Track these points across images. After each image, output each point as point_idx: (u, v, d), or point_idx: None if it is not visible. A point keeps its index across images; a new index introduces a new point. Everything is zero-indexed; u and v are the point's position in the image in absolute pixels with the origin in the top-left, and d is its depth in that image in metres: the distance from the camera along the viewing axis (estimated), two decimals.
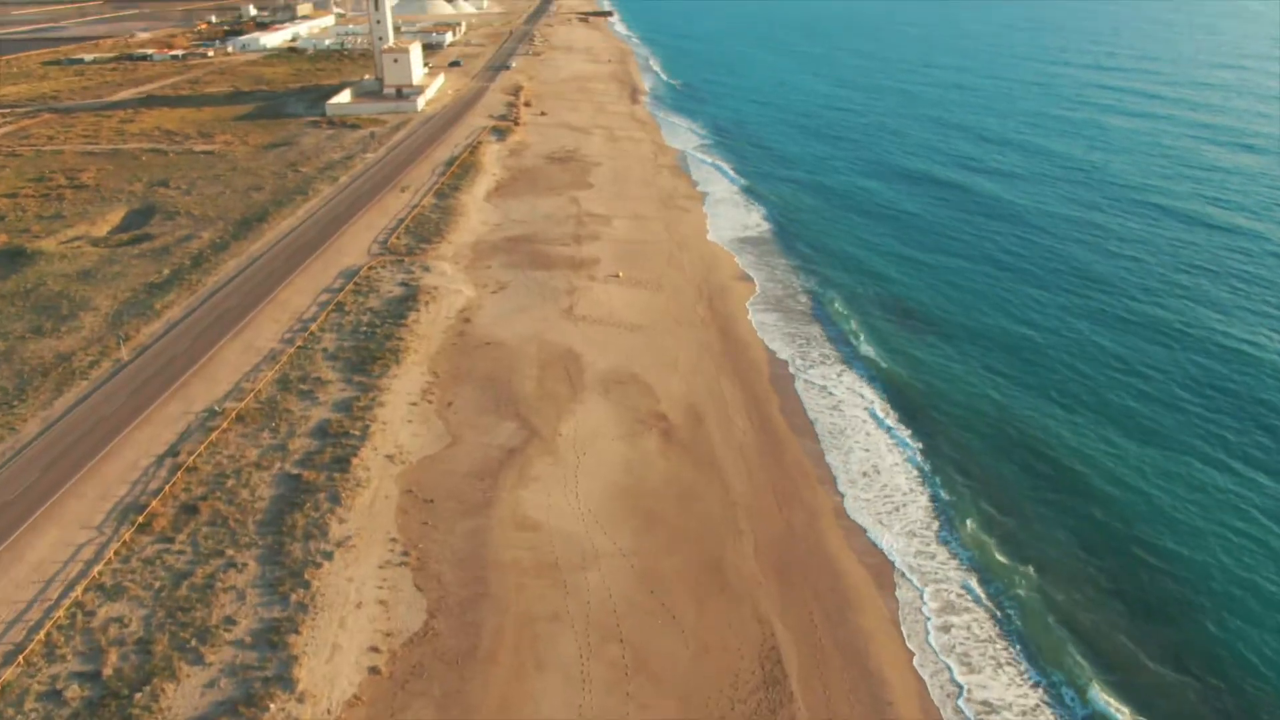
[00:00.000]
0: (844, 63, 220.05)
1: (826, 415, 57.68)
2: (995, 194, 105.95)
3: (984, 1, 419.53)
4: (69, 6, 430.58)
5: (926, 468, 51.95)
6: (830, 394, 60.11)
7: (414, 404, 56.21)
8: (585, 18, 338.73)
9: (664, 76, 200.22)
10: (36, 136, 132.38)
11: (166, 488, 46.73)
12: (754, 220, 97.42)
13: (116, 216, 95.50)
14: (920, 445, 54.05)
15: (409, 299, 71.02)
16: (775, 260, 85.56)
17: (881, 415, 57.52)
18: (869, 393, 60.38)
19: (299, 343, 63.31)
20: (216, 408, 54.96)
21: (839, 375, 62.87)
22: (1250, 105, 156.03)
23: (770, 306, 74.47)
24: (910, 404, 59.13)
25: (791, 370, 63.43)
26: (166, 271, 77.37)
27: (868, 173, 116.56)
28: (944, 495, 49.52)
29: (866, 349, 66.31)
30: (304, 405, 55.23)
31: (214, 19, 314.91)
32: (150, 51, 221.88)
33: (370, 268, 77.64)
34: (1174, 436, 55.88)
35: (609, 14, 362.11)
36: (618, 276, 78.70)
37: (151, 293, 72.62)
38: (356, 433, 52.07)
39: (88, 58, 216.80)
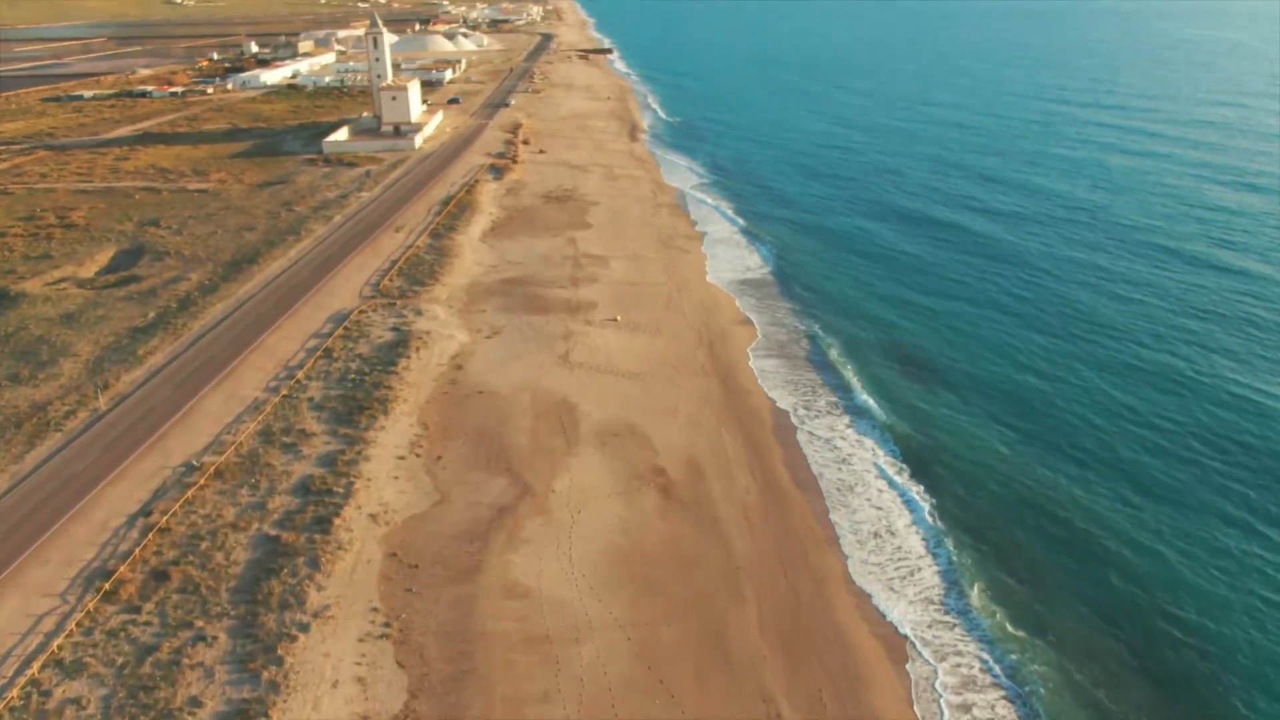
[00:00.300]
0: (841, 100, 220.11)
1: (831, 470, 55.32)
2: (997, 235, 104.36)
3: (979, 41, 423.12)
4: (74, 43, 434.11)
5: (936, 528, 49.50)
6: (834, 447, 57.78)
7: (401, 458, 53.86)
8: (585, 55, 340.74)
9: (663, 114, 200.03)
10: (30, 174, 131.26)
11: (137, 551, 44.25)
12: (754, 261, 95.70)
13: (105, 257, 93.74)
14: (929, 504, 51.66)
15: (400, 345, 68.91)
16: (776, 303, 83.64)
17: (888, 470, 55.18)
18: (874, 446, 58.08)
19: (284, 391, 61.09)
20: (194, 462, 52.60)
21: (843, 427, 60.59)
22: (1252, 144, 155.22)
23: (772, 352, 72.36)
24: (917, 458, 56.80)
25: (794, 421, 61.16)
26: (152, 315, 75.35)
27: (867, 213, 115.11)
28: (955, 559, 47.06)
29: (870, 399, 64.14)
30: (286, 459, 52.87)
31: (215, 56, 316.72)
32: (150, 88, 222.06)
33: (361, 311, 75.63)
34: (1192, 494, 53.51)
35: (609, 51, 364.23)
36: (615, 321, 76.69)
37: (135, 338, 70.52)
38: (340, 490, 49.68)
39: (87, 94, 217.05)
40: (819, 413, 62.31)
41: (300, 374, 63.76)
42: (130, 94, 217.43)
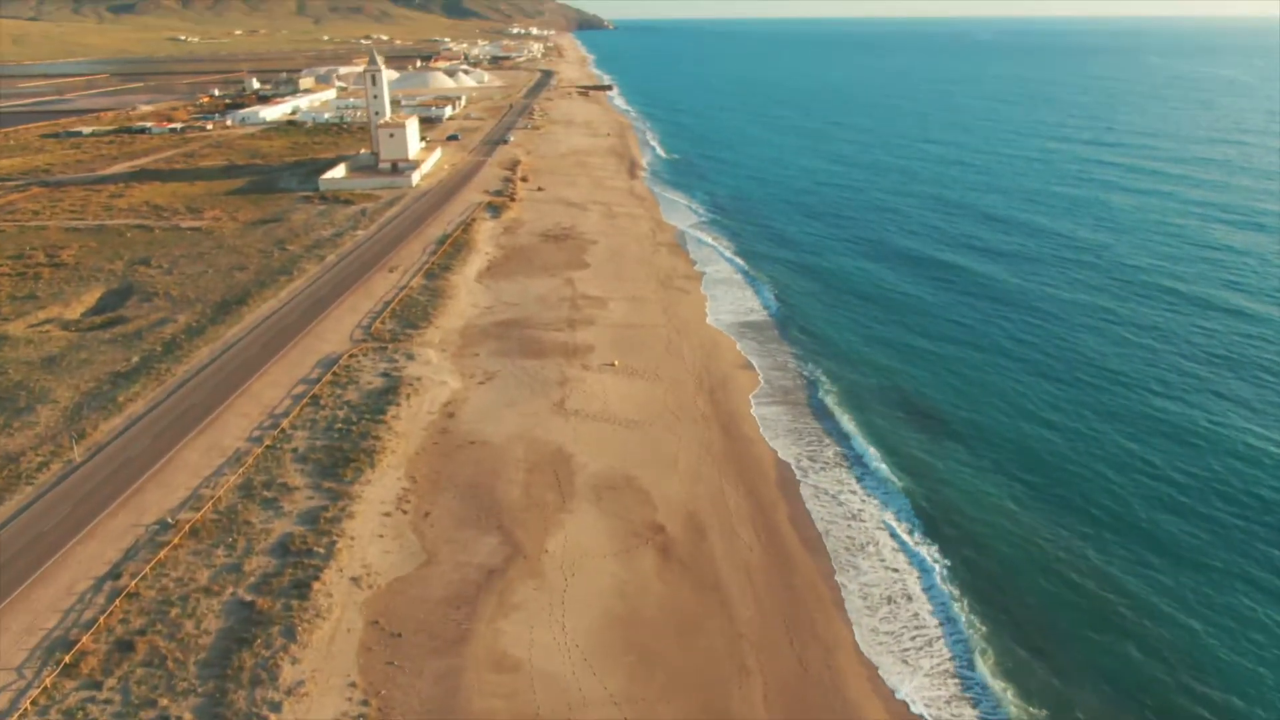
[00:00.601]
0: (839, 137, 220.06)
1: (838, 527, 52.75)
2: (999, 276, 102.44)
3: (975, 77, 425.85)
4: (78, 79, 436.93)
5: (948, 593, 46.81)
6: (840, 502, 55.26)
7: (387, 514, 51.31)
8: (585, 91, 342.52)
9: (662, 150, 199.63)
10: (22, 211, 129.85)
11: (102, 619, 41.60)
12: (754, 303, 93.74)
13: (92, 297, 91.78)
14: (940, 566, 49.01)
15: (390, 391, 66.61)
16: (777, 347, 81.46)
17: (895, 528, 52.61)
18: (880, 501, 55.55)
19: (268, 442, 58.68)
20: (169, 519, 50.05)
21: (849, 480, 58.11)
22: (1255, 183, 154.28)
23: (774, 399, 70.05)
24: (925, 515, 54.23)
25: (798, 473, 58.68)
26: (135, 359, 73.11)
27: (868, 253, 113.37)
28: (970, 628, 44.33)
29: (875, 450, 61.67)
30: (266, 516, 50.34)
31: (217, 92, 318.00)
32: (149, 124, 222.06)
33: (351, 356, 73.43)
34: (1213, 555, 50.85)
35: (609, 88, 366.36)
36: (613, 365, 74.48)
37: (116, 383, 68.23)
38: (321, 550, 47.09)
39: (86, 130, 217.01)
40: (824, 464, 59.85)
41: (285, 423, 61.40)
42: (129, 130, 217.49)
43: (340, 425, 61.12)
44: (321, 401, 65.01)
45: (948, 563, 49.36)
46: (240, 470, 54.98)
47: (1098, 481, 58.67)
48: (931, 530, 52.50)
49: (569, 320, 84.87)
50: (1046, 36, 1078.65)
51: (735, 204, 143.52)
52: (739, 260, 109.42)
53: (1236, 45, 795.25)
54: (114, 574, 45.33)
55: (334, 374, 69.69)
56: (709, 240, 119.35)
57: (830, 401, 69.51)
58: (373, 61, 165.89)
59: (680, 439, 62.51)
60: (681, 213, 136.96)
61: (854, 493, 56.54)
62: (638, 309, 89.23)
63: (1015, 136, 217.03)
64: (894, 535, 51.77)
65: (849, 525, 52.92)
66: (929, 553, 50.03)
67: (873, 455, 60.89)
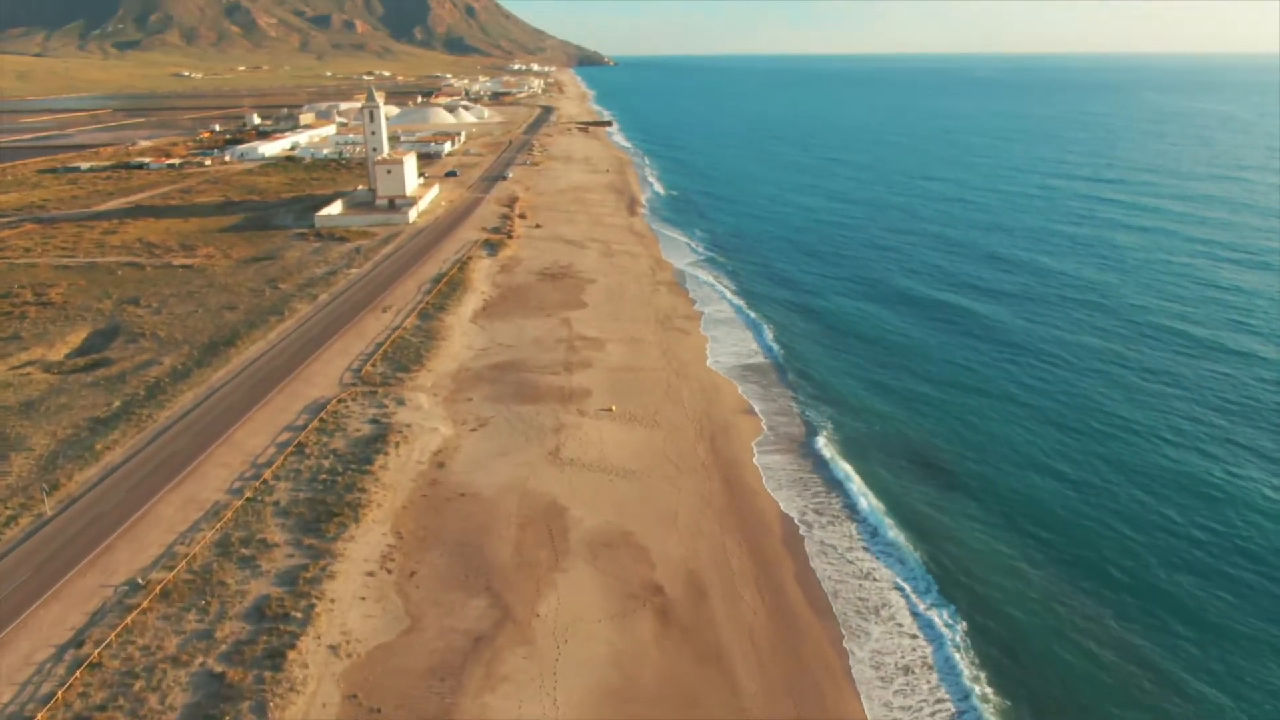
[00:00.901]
0: (839, 174, 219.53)
1: (846, 588, 50.01)
2: (1004, 319, 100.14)
3: (973, 114, 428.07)
4: (81, 114, 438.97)
5: (963, 664, 43.93)
6: (848, 560, 52.56)
7: (371, 574, 48.62)
8: (585, 127, 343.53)
9: (662, 187, 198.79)
10: (12, 249, 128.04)
11: (60, 693, 38.79)
12: (755, 345, 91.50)
13: (77, 338, 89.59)
14: (954, 633, 46.16)
15: (378, 439, 64.12)
16: (779, 391, 79.06)
17: (906, 590, 49.86)
18: (889, 560, 52.83)
19: (248, 494, 56.10)
20: (140, 580, 47.34)
21: (855, 536, 55.42)
22: (1261, 221, 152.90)
23: (777, 448, 67.52)
24: (936, 576, 51.47)
25: (804, 528, 56.02)
26: (116, 404, 70.69)
27: (870, 294, 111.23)
28: (988, 705, 41.44)
29: (882, 504, 59.01)
30: (243, 576, 47.64)
31: (218, 128, 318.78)
32: (147, 160, 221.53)
33: (340, 401, 71.02)
34: (1242, 622, 47.98)
35: (608, 124, 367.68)
36: (610, 411, 72.06)
37: (95, 430, 65.75)
38: (298, 615, 44.35)
39: (84, 166, 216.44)
40: (830, 518, 57.19)
41: (268, 473, 58.85)
42: (127, 166, 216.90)
43: (325, 476, 58.55)
44: (307, 450, 62.50)
45: (962, 628, 46.58)
46: (218, 526, 52.35)
47: (1114, 539, 55.99)
48: (943, 592, 49.75)
49: (565, 363, 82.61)
50: (1043, 73, 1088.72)
51: (735, 241, 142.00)
52: (739, 300, 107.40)
53: (1232, 81, 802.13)
54: (77, 641, 42.56)
55: (321, 420, 67.25)
56: (709, 279, 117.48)
57: (834, 450, 66.98)
58: (370, 98, 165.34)
59: (680, 490, 59.95)
60: (681, 250, 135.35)
61: (861, 550, 53.85)
62: (636, 351, 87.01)
63: (1016, 173, 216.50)
64: (905, 597, 49.02)
65: (857, 586, 50.19)
66: (941, 618, 47.24)
67: (879, 509, 58.27)
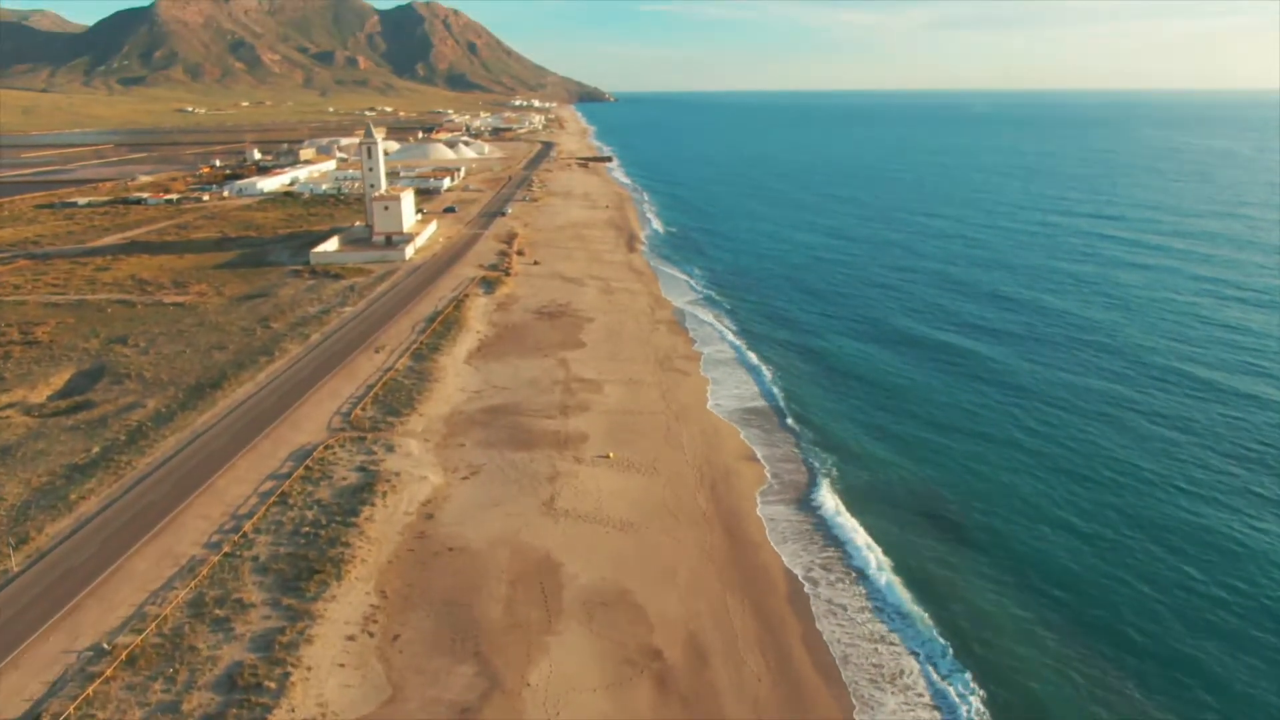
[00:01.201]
0: (838, 211, 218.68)
1: (856, 652, 47.20)
2: (1008, 361, 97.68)
3: (972, 149, 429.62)
4: (85, 149, 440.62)
5: None
6: (857, 622, 49.80)
7: (351, 638, 45.86)
8: (585, 163, 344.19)
9: (661, 223, 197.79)
10: (2, 286, 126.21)
11: None
12: (756, 387, 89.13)
13: (61, 379, 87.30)
14: (970, 707, 43.27)
15: (365, 489, 61.56)
16: (782, 437, 76.56)
17: (917, 655, 47.04)
18: (898, 622, 49.97)
19: (226, 548, 53.46)
20: (106, 644, 44.58)
21: (863, 596, 52.64)
22: (1265, 259, 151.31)
23: (781, 497, 64.93)
24: (948, 640, 48.59)
25: (809, 586, 53.29)
26: (96, 450, 68.20)
27: (871, 335, 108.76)
28: None
29: (889, 560, 56.24)
30: (215, 640, 44.88)
31: (218, 163, 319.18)
32: (145, 195, 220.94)
33: (327, 447, 68.53)
34: (1272, 690, 45.18)
35: (608, 159, 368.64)
36: (608, 457, 69.57)
37: (71, 478, 63.23)
38: (272, 685, 41.55)
39: (81, 201, 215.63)
40: (838, 576, 54.46)
41: (248, 526, 56.24)
42: (125, 201, 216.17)
43: (308, 529, 55.92)
44: (290, 500, 59.93)
45: (978, 699, 43.72)
46: (192, 583, 49.66)
47: (1132, 598, 53.19)
48: (957, 659, 46.88)
49: (562, 406, 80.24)
50: (1040, 109, 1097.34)
51: (734, 279, 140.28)
52: (739, 340, 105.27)
53: (1230, 118, 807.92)
54: (34, 714, 39.75)
55: (306, 468, 64.72)
56: (708, 318, 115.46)
57: (840, 501, 64.34)
58: (369, 134, 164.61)
59: (680, 544, 57.31)
60: (680, 288, 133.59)
61: (870, 610, 51.08)
62: (635, 393, 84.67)
63: (1016, 210, 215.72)
64: (918, 663, 46.20)
65: (868, 650, 47.38)
66: (956, 688, 44.36)
67: (887, 565, 55.55)
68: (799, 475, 68.92)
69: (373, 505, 59.20)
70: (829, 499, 64.24)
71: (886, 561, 55.96)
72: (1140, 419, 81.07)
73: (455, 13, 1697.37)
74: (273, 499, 59.94)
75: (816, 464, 70.71)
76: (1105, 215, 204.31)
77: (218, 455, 67.38)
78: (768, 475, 68.55)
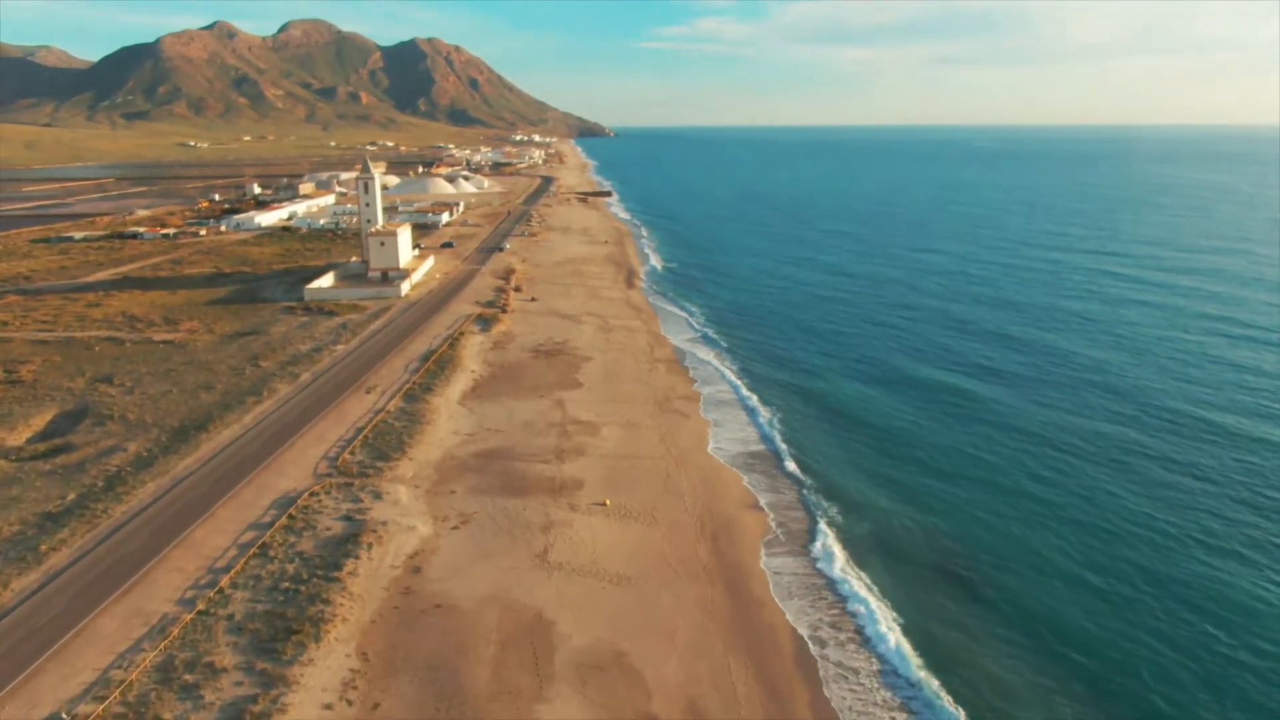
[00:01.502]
0: (839, 247, 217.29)
1: None
2: (1014, 404, 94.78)
3: (972, 184, 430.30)
4: (87, 183, 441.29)
5: None
6: (866, 688, 46.84)
7: (328, 707, 42.92)
8: (584, 198, 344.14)
9: (661, 259, 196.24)
10: None
11: None
12: (758, 431, 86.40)
13: (42, 420, 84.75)
14: None
15: (350, 540, 58.81)
16: (785, 484, 73.77)
17: None
18: (911, 691, 46.98)
19: (201, 605, 50.64)
20: (65, 715, 41.64)
21: (873, 659, 49.66)
22: (1271, 297, 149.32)
23: (786, 549, 62.11)
24: (965, 708, 45.67)
25: (816, 648, 50.36)
26: (71, 496, 65.52)
27: (873, 376, 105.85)
28: None
29: (903, 620, 53.42)
30: (182, 710, 41.95)
31: (217, 197, 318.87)
32: (141, 230, 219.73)
33: (312, 494, 65.84)
34: None
35: (608, 194, 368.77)
36: (604, 505, 66.87)
37: (43, 527, 60.49)
38: None
39: (77, 235, 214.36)
40: (847, 637, 51.49)
41: (225, 580, 53.43)
42: (121, 235, 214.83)
43: (288, 584, 53.11)
44: (271, 552, 57.16)
45: None
46: (162, 645, 46.77)
47: (1153, 662, 50.27)
48: None
49: (557, 450, 77.62)
50: (1038, 144, 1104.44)
51: (735, 317, 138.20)
52: (740, 380, 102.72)
53: (1226, 152, 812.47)
54: None
55: (290, 517, 62.00)
56: (708, 357, 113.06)
57: (847, 554, 61.52)
58: (366, 169, 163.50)
59: (679, 600, 54.45)
60: (679, 325, 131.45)
61: (879, 675, 48.12)
62: (633, 436, 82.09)
63: (1018, 246, 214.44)
64: None
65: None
66: None
67: (897, 626, 52.65)
68: (803, 525, 66.13)
69: (357, 558, 56.42)
70: (835, 551, 61.43)
71: (896, 621, 53.12)
72: (1152, 465, 78.38)
73: (457, 49, 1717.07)
74: (252, 551, 57.19)
75: (821, 513, 67.97)
76: (1108, 251, 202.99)
77: (198, 503, 64.66)
78: (771, 524, 65.79)
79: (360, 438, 77.67)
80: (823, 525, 65.72)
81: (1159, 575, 59.78)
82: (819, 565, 59.58)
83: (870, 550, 62.38)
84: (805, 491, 71.75)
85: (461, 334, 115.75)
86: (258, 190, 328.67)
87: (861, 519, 67.34)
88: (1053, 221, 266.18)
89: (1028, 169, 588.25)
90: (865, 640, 51.03)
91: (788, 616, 53.45)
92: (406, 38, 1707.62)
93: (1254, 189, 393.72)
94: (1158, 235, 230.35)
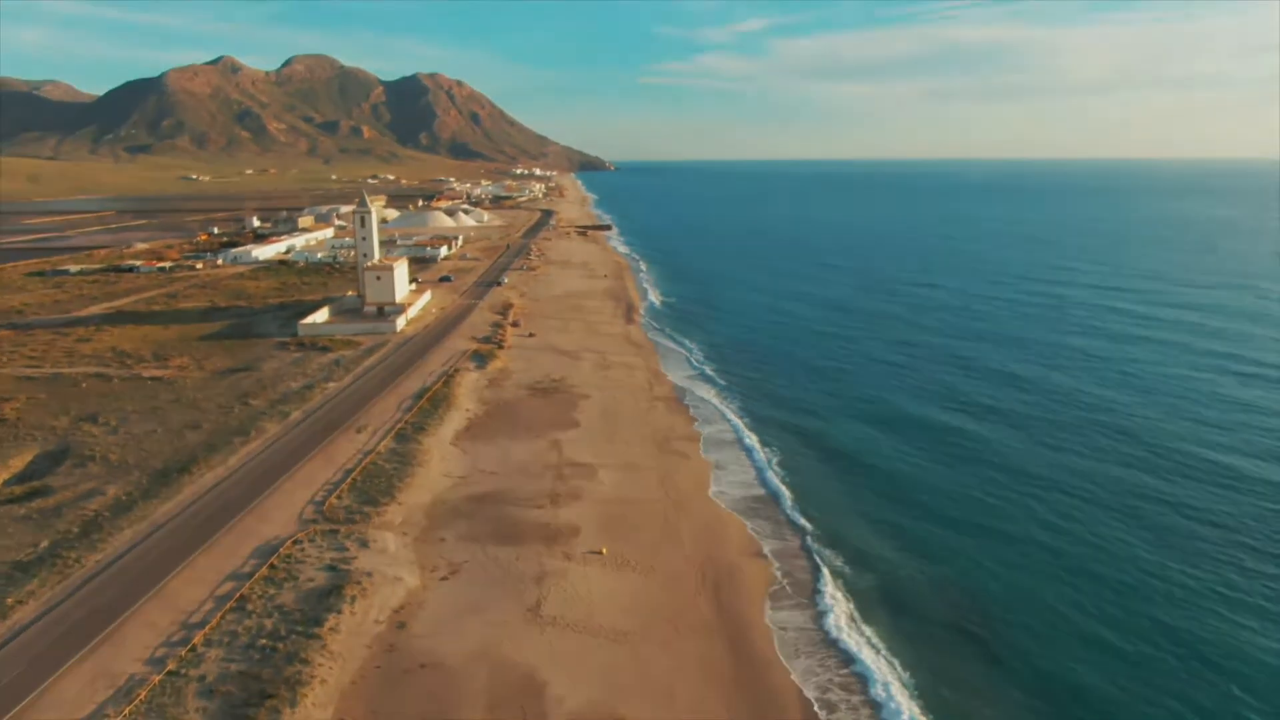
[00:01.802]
0: (839, 282, 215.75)
1: None
2: (1022, 447, 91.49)
3: (972, 220, 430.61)
4: (86, 216, 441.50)
5: None
6: None
7: None
8: (584, 231, 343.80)
9: (660, 294, 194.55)
10: None
11: None
12: (761, 474, 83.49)
13: (21, 461, 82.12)
14: None
15: (333, 592, 56.01)
16: (788, 530, 70.89)
17: None
18: None
19: (171, 665, 47.78)
20: None
21: None
22: (1279, 333, 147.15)
23: (791, 602, 59.21)
24: None
25: (825, 715, 47.34)
26: (45, 544, 62.77)
27: (876, 417, 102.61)
28: None
29: (915, 682, 50.34)
30: None
31: (216, 230, 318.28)
32: (137, 263, 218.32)
33: (295, 542, 63.11)
34: None
35: (607, 228, 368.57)
36: (600, 554, 64.09)
37: (11, 579, 57.69)
38: None
39: (73, 269, 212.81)
40: (859, 701, 48.50)
41: (199, 637, 50.58)
42: (117, 269, 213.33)
43: (265, 642, 50.25)
44: (249, 605, 54.34)
45: None
46: (125, 710, 43.85)
47: None
48: None
49: (552, 494, 74.95)
50: (1036, 178, 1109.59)
51: (735, 354, 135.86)
52: (740, 420, 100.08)
53: (1225, 186, 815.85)
54: None
55: (271, 567, 59.23)
56: (708, 395, 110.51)
57: (853, 608, 58.59)
58: (363, 203, 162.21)
59: (679, 658, 51.54)
60: (679, 362, 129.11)
61: None
62: (631, 479, 79.43)
63: (1020, 280, 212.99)
64: None
65: None
66: None
67: (908, 687, 49.63)
68: (808, 575, 63.23)
69: (339, 612, 53.58)
70: (842, 605, 58.59)
71: (907, 683, 50.19)
72: (1166, 511, 75.42)
73: (459, 84, 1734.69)
74: (230, 604, 54.37)
75: (826, 562, 65.10)
76: (1110, 286, 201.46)
77: (176, 551, 61.89)
78: (775, 574, 62.94)
79: (349, 480, 74.98)
80: (828, 576, 62.87)
81: (1178, 632, 56.82)
82: (826, 620, 56.65)
83: (878, 604, 59.52)
84: (809, 539, 68.89)
85: (457, 371, 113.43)
86: (256, 223, 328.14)
87: (868, 569, 64.49)
88: (1054, 255, 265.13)
89: (1024, 202, 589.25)
90: (876, 705, 48.04)
91: (794, 677, 50.51)
92: (409, 73, 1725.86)
93: (1254, 222, 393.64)
94: (1161, 270, 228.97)
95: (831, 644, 54.08)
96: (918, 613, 58.88)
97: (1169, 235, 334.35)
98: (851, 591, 60.84)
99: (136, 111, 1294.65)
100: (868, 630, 55.87)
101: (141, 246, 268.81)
